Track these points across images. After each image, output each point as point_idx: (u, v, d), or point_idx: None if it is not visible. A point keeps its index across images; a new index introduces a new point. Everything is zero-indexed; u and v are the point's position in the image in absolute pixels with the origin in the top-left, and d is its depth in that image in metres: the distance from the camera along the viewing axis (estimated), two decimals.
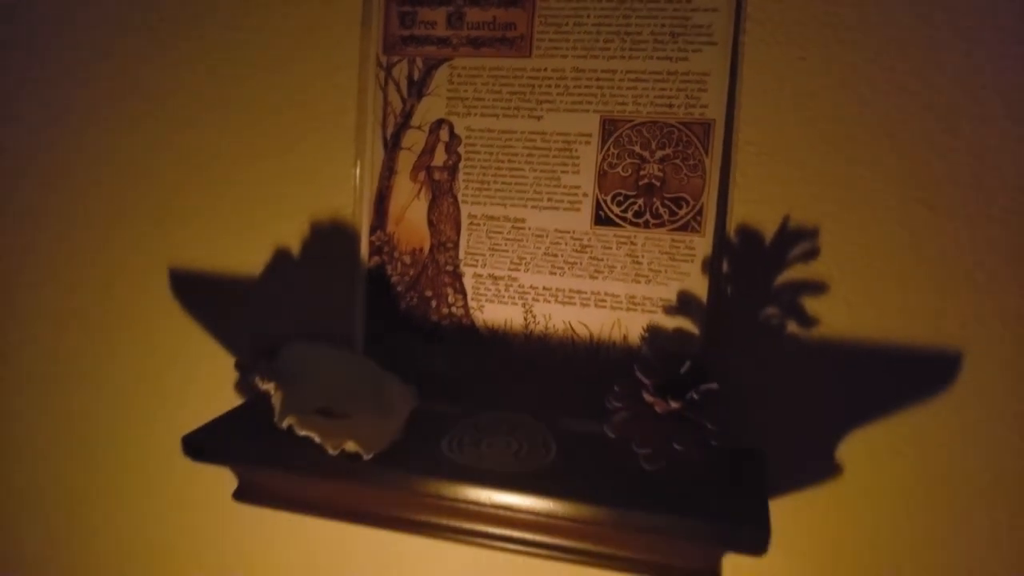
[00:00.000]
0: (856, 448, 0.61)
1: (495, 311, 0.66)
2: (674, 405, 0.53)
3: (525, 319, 0.65)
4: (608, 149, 0.61)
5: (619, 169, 0.61)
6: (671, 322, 0.62)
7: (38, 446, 0.86)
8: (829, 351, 0.60)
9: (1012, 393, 0.58)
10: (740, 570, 0.64)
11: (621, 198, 0.61)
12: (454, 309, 0.67)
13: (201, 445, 0.60)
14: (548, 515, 0.54)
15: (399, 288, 0.68)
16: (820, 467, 0.62)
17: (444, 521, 0.59)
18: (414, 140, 0.66)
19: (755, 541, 0.50)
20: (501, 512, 0.55)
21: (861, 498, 0.62)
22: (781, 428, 0.62)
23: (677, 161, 0.60)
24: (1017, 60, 0.54)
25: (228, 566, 0.82)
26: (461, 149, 0.65)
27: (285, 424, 0.58)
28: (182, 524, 0.82)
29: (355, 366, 0.66)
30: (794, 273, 0.60)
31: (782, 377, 0.61)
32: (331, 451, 0.56)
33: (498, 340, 0.66)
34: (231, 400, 0.73)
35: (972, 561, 0.61)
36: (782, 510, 0.63)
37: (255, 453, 0.59)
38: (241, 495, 0.64)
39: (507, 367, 0.66)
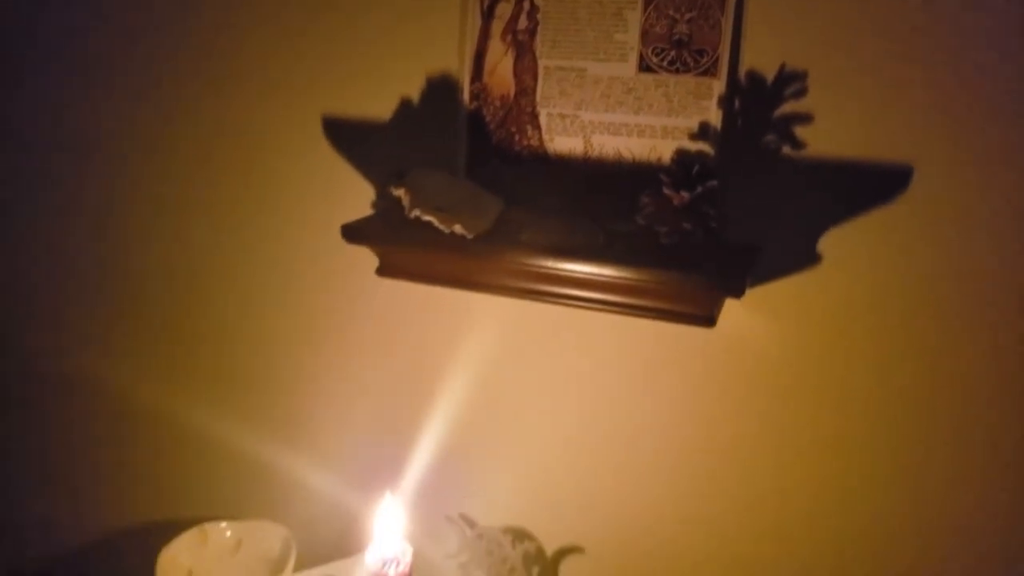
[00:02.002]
0: (832, 243, 0.81)
1: (562, 142, 0.88)
2: (684, 195, 0.75)
3: (585, 147, 0.87)
4: (649, 13, 0.81)
5: (657, 28, 0.81)
6: (694, 146, 0.82)
7: (222, 238, 1.16)
8: (813, 167, 0.79)
9: (951, 199, 0.76)
10: (740, 331, 0.87)
11: (658, 51, 0.81)
12: (532, 141, 0.89)
13: (355, 230, 0.86)
14: (597, 275, 0.77)
15: (491, 126, 0.91)
16: (803, 257, 0.83)
17: (520, 283, 0.84)
18: (504, 10, 0.87)
19: (735, 285, 0.72)
20: (563, 273, 0.79)
21: (833, 279, 0.82)
22: (776, 227, 0.83)
23: (700, 21, 0.79)
24: None
25: (368, 332, 1.10)
26: (539, 16, 0.85)
27: (413, 215, 0.83)
28: (330, 301, 1.10)
29: (459, 183, 0.90)
30: (788, 107, 0.79)
31: (778, 188, 0.81)
32: (445, 230, 0.81)
33: (564, 163, 0.88)
34: (369, 211, 0.99)
35: (913, 329, 0.81)
36: (774, 289, 0.84)
37: (393, 234, 0.85)
38: (381, 270, 0.91)
39: (570, 183, 0.88)
